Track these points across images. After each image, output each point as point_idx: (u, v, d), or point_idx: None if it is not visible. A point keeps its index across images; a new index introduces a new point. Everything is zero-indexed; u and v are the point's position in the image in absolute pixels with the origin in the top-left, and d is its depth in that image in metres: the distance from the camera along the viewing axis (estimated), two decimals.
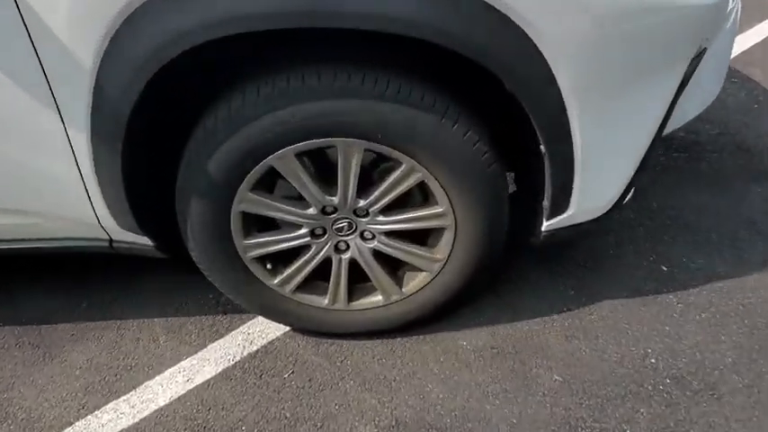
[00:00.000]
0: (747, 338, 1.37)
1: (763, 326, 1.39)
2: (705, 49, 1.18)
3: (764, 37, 2.62)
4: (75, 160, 1.06)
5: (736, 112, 2.16)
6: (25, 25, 0.89)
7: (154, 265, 1.42)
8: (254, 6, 0.87)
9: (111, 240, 1.26)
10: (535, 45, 0.93)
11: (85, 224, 1.19)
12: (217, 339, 1.45)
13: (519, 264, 1.58)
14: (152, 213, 1.22)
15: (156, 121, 1.10)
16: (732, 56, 2.38)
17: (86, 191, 1.11)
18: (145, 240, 1.25)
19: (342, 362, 1.38)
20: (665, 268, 1.57)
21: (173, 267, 1.49)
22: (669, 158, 1.97)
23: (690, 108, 1.34)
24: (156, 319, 1.51)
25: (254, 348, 1.43)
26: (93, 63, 0.93)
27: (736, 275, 1.53)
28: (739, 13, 1.37)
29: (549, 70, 0.96)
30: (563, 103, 1.01)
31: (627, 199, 1.29)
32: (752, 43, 2.57)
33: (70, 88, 0.96)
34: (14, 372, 1.39)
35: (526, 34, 0.92)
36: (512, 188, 1.37)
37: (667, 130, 1.30)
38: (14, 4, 0.88)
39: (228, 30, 0.88)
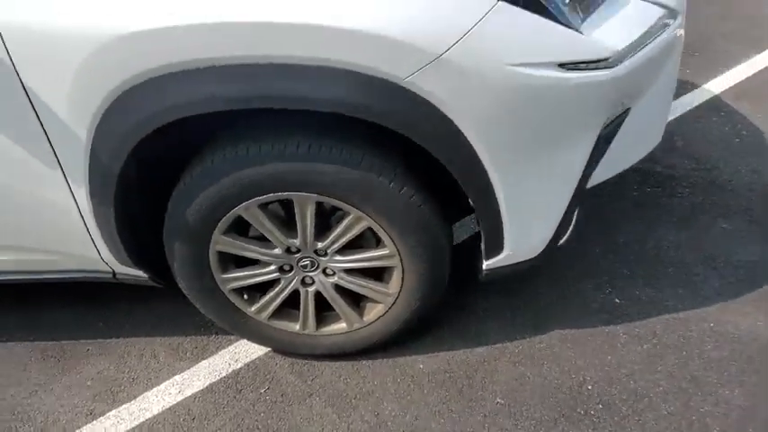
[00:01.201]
0: (681, 369, 1.47)
1: (696, 357, 1.49)
2: (629, 109, 1.31)
3: (756, 70, 2.66)
4: (78, 209, 1.29)
5: (717, 146, 2.24)
6: (32, 105, 1.12)
7: (159, 291, 1.64)
8: (204, 93, 1.07)
9: (114, 273, 1.49)
10: (451, 119, 1.10)
11: (91, 260, 1.42)
12: (207, 357, 1.66)
13: (481, 294, 1.72)
14: (147, 250, 1.44)
15: (145, 175, 1.31)
16: (723, 89, 2.46)
17: (89, 233, 1.34)
18: (141, 273, 1.47)
19: (312, 380, 1.56)
20: (618, 301, 1.68)
21: (174, 293, 1.71)
22: (642, 193, 2.07)
23: (629, 155, 1.46)
24: (158, 338, 1.73)
25: (238, 366, 1.62)
26: (87, 133, 1.15)
27: (684, 309, 1.63)
28: (677, 54, 1.47)
29: (465, 138, 1.12)
30: (482, 164, 1.16)
31: (563, 241, 1.42)
32: (744, 77, 2.62)
33: (71, 152, 1.19)
34: (38, 380, 1.64)
35: (443, 112, 1.09)
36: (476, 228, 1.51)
37: (608, 175, 1.43)
38: (23, 90, 1.11)
39: (189, 111, 1.09)
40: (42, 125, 1.16)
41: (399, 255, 1.34)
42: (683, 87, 2.62)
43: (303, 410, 1.48)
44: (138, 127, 1.13)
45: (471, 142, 1.13)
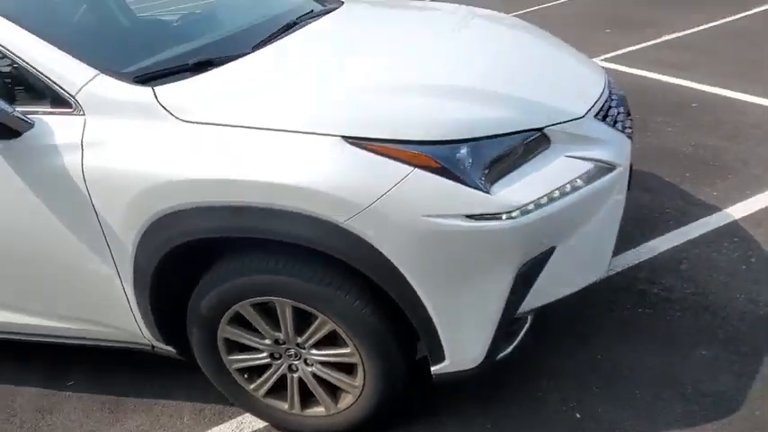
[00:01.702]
0: None
1: None
2: (554, 248, 1.54)
3: None
4: (126, 297, 1.74)
5: (721, 272, 2.29)
6: (99, 223, 1.61)
7: (195, 363, 2.03)
8: (199, 226, 1.49)
9: (152, 346, 1.91)
10: (380, 252, 1.41)
11: (136, 334, 1.86)
12: (220, 424, 2.01)
13: (450, 399, 1.92)
14: (176, 331, 1.85)
15: (176, 276, 1.74)
16: (744, 214, 2.53)
17: (133, 315, 1.78)
18: (172, 349, 1.88)
19: None
20: (578, 415, 1.80)
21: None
22: (633, 312, 2.18)
23: (567, 284, 1.66)
24: (188, 403, 2.11)
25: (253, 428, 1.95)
26: (132, 245, 1.61)
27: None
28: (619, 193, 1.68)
29: (394, 266, 1.43)
30: (411, 287, 1.45)
31: (503, 355, 1.63)
32: (763, 205, 2.64)
33: (123, 258, 1.65)
34: (93, 427, 2.07)
35: (374, 246, 1.41)
36: None
37: (549, 300, 1.64)
38: (95, 213, 1.60)
39: (189, 238, 1.52)
40: (105, 238, 1.64)
41: (359, 354, 1.63)
42: (704, 209, 2.69)
43: None
44: (164, 243, 1.57)
45: (400, 270, 1.43)
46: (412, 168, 1.38)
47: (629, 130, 1.85)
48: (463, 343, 1.56)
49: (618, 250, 2.46)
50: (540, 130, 1.57)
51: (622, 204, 1.72)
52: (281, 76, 1.69)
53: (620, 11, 6.44)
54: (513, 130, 1.53)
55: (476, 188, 1.40)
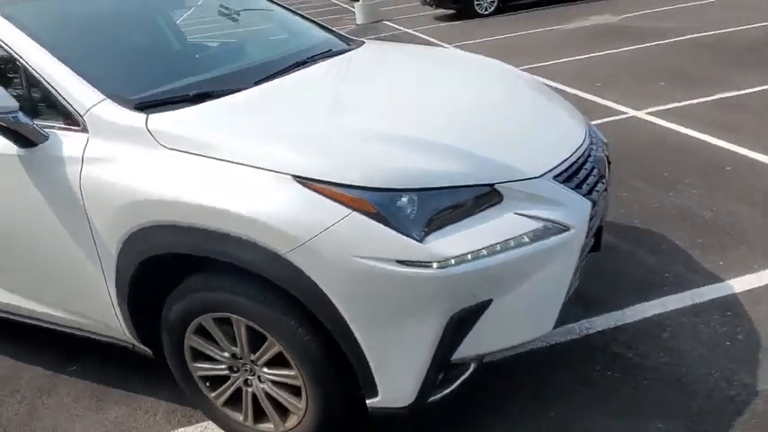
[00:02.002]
0: None
1: None
2: (490, 300, 1.59)
3: None
4: (110, 297, 1.93)
5: (702, 346, 2.23)
6: (91, 232, 1.81)
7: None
8: (167, 242, 1.65)
9: (133, 345, 2.09)
10: (316, 283, 1.52)
11: (119, 332, 2.04)
12: (187, 426, 2.15)
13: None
14: (151, 334, 2.02)
15: (152, 285, 1.90)
16: (747, 288, 2.45)
17: (116, 314, 1.97)
18: (148, 350, 2.05)
19: None
20: None
21: None
22: (601, 374, 2.16)
23: (506, 337, 1.69)
24: (162, 402, 2.28)
25: None
26: (115, 252, 1.80)
27: None
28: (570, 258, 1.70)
29: (329, 299, 1.53)
30: (344, 320, 1.55)
31: (436, 399, 1.68)
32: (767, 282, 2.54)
33: (108, 262, 1.84)
34: (78, 412, 2.28)
35: (310, 278, 1.52)
36: None
37: (488, 350, 1.68)
38: (86, 217, 1.80)
39: (158, 251, 1.68)
40: (94, 241, 1.84)
41: (302, 378, 1.73)
42: (705, 278, 2.62)
43: None
44: (140, 253, 1.75)
45: (335, 304, 1.53)
46: (350, 211, 1.49)
47: (598, 193, 1.87)
48: (394, 381, 1.63)
49: (604, 309, 2.48)
50: (490, 186, 1.64)
51: (574, 265, 1.74)
52: (259, 112, 1.86)
53: (681, 64, 6.30)
54: (461, 184, 1.61)
55: (409, 236, 1.49)
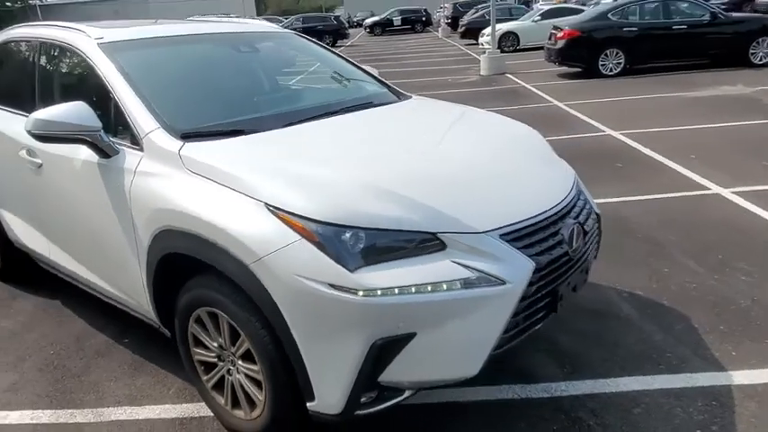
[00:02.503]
0: None
1: None
2: (414, 334, 1.81)
3: None
4: (143, 284, 2.41)
5: (669, 428, 2.19)
6: (133, 226, 2.31)
7: None
8: (177, 244, 2.09)
9: (159, 326, 2.56)
10: (270, 294, 1.85)
11: (149, 313, 2.52)
12: (191, 402, 2.55)
13: None
14: (170, 319, 2.46)
15: (172, 278, 2.35)
16: (743, 382, 2.39)
17: (146, 299, 2.45)
18: (167, 332, 2.50)
19: None
20: None
21: None
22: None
23: (433, 372, 1.89)
24: (179, 380, 2.71)
25: (200, 414, 2.46)
26: (147, 246, 2.28)
27: None
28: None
29: (278, 308, 1.84)
30: (291, 332, 1.85)
31: (364, 412, 1.90)
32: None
33: (142, 251, 2.33)
34: (115, 375, 2.78)
35: (266, 288, 1.85)
36: None
37: (412, 379, 1.89)
38: (131, 215, 2.30)
39: (171, 251, 2.12)
40: (135, 238, 2.34)
41: (262, 373, 2.05)
42: (708, 364, 2.53)
43: None
44: (161, 250, 2.21)
45: (282, 312, 1.84)
46: (300, 238, 1.81)
47: (557, 257, 2.02)
48: (326, 389, 1.89)
49: (589, 375, 2.52)
50: (433, 234, 1.87)
51: (506, 317, 1.89)
52: (266, 149, 2.25)
53: None
54: (406, 229, 1.86)
55: (343, 265, 1.77)
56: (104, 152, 2.40)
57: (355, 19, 47.04)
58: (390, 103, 3.05)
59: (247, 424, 2.23)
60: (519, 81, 12.25)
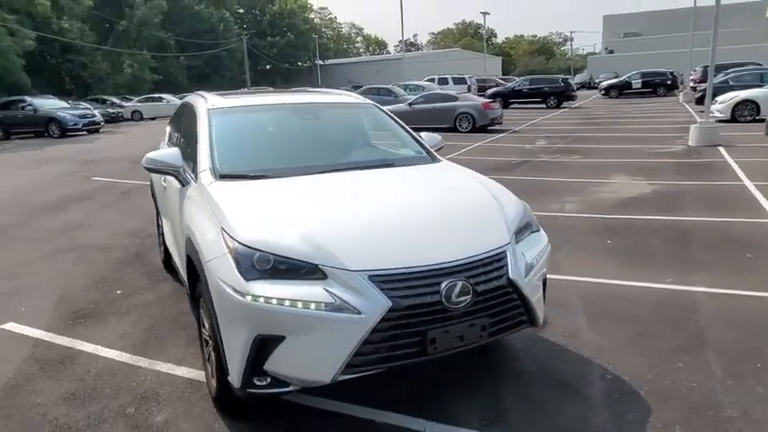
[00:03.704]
0: None
1: None
2: (284, 337, 2.39)
3: None
4: (185, 273, 3.42)
5: None
6: (182, 232, 3.34)
7: None
8: (188, 247, 3.02)
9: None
10: (210, 292, 2.64)
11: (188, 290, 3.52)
12: (190, 368, 3.44)
13: None
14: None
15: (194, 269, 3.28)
16: None
17: (187, 285, 3.45)
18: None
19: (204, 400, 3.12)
20: None
21: None
22: None
23: (300, 371, 2.43)
24: (193, 350, 3.63)
25: (198, 378, 3.34)
26: (183, 243, 3.28)
27: None
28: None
29: (213, 304, 2.62)
30: (217, 319, 2.60)
31: (256, 392, 2.52)
32: None
33: (182, 248, 3.34)
34: (173, 342, 3.84)
35: (209, 288, 2.65)
36: None
37: (290, 374, 2.46)
38: (185, 221, 3.33)
39: (188, 252, 3.06)
40: (182, 235, 3.36)
41: (212, 350, 2.82)
42: None
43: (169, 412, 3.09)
44: (187, 250, 3.18)
45: (213, 304, 2.61)
46: (226, 252, 2.56)
47: (414, 302, 2.41)
48: (232, 367, 2.57)
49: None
50: (315, 265, 2.45)
51: (357, 341, 2.33)
52: (254, 191, 3.05)
53: None
54: (297, 258, 2.47)
55: (244, 276, 2.46)
56: (182, 182, 3.51)
57: (597, 81, 45.71)
58: (408, 165, 3.63)
59: (212, 389, 3.00)
60: (726, 155, 10.99)
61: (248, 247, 2.54)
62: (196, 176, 3.38)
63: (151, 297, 4.73)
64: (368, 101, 4.53)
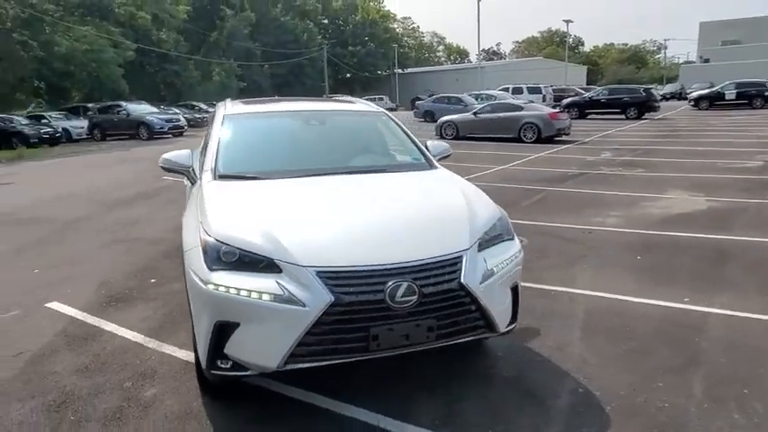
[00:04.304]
0: None
1: None
2: (238, 323, 2.60)
3: None
4: None
5: None
6: (197, 212, 3.67)
7: None
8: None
9: None
10: (187, 280, 2.90)
11: None
12: (189, 351, 3.72)
13: None
14: None
15: None
16: None
17: None
18: None
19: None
20: None
21: None
22: None
23: (253, 357, 2.62)
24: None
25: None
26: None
27: None
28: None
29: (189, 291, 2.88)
30: (191, 306, 2.86)
31: (220, 373, 2.75)
32: None
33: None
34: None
35: (189, 276, 2.92)
36: None
37: (243, 359, 2.66)
38: (195, 212, 3.66)
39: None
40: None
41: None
42: None
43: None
44: None
45: (189, 291, 2.87)
46: (198, 245, 2.81)
47: (357, 299, 2.54)
48: (200, 349, 2.82)
49: None
50: (270, 259, 2.64)
51: (300, 331, 2.50)
52: (240, 191, 3.29)
53: None
54: (257, 252, 2.68)
55: (209, 267, 2.69)
56: (191, 181, 3.83)
57: (688, 91, 43.09)
58: (400, 171, 3.77)
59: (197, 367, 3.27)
60: None
61: (217, 240, 2.78)
62: (199, 177, 3.68)
63: (179, 287, 5.11)
64: (380, 110, 4.69)
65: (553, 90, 34.60)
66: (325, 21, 66.68)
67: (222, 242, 2.76)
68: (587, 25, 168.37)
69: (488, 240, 3.01)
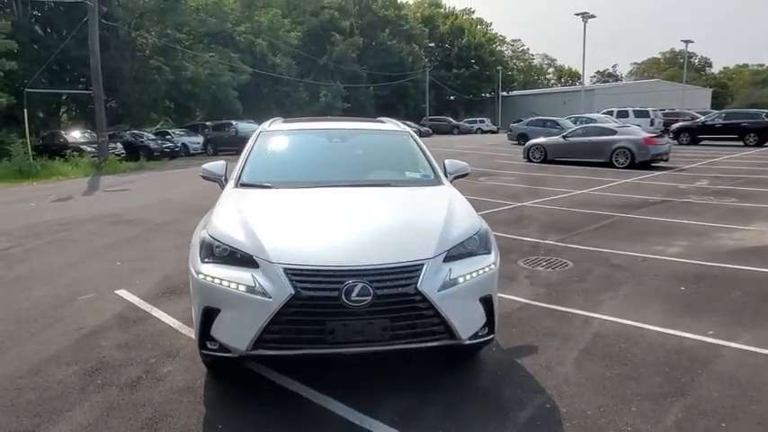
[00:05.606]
0: None
1: None
2: (219, 309, 3.00)
3: None
4: None
5: None
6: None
7: None
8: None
9: None
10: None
11: None
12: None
13: None
14: None
15: None
16: None
17: None
18: None
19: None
20: None
21: None
22: None
23: (233, 339, 2.99)
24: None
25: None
26: None
27: None
28: None
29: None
30: (192, 294, 3.32)
31: (209, 353, 3.16)
32: None
33: None
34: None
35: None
36: None
37: (228, 343, 3.05)
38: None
39: None
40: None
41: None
42: None
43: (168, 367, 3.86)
44: None
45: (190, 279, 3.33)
46: (200, 242, 3.26)
47: (314, 294, 2.83)
48: (195, 331, 3.25)
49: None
50: (250, 255, 3.02)
51: (265, 319, 2.83)
52: (250, 198, 3.72)
53: None
54: (241, 249, 3.07)
55: (202, 260, 3.13)
56: (222, 188, 4.36)
57: None
58: (404, 186, 4.05)
59: None
60: None
61: (213, 238, 3.22)
62: (227, 184, 4.19)
63: None
64: (406, 129, 4.97)
65: (665, 114, 32.58)
66: (432, 44, 67.84)
67: (216, 239, 3.20)
68: (716, 45, 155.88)
69: (462, 253, 3.18)
